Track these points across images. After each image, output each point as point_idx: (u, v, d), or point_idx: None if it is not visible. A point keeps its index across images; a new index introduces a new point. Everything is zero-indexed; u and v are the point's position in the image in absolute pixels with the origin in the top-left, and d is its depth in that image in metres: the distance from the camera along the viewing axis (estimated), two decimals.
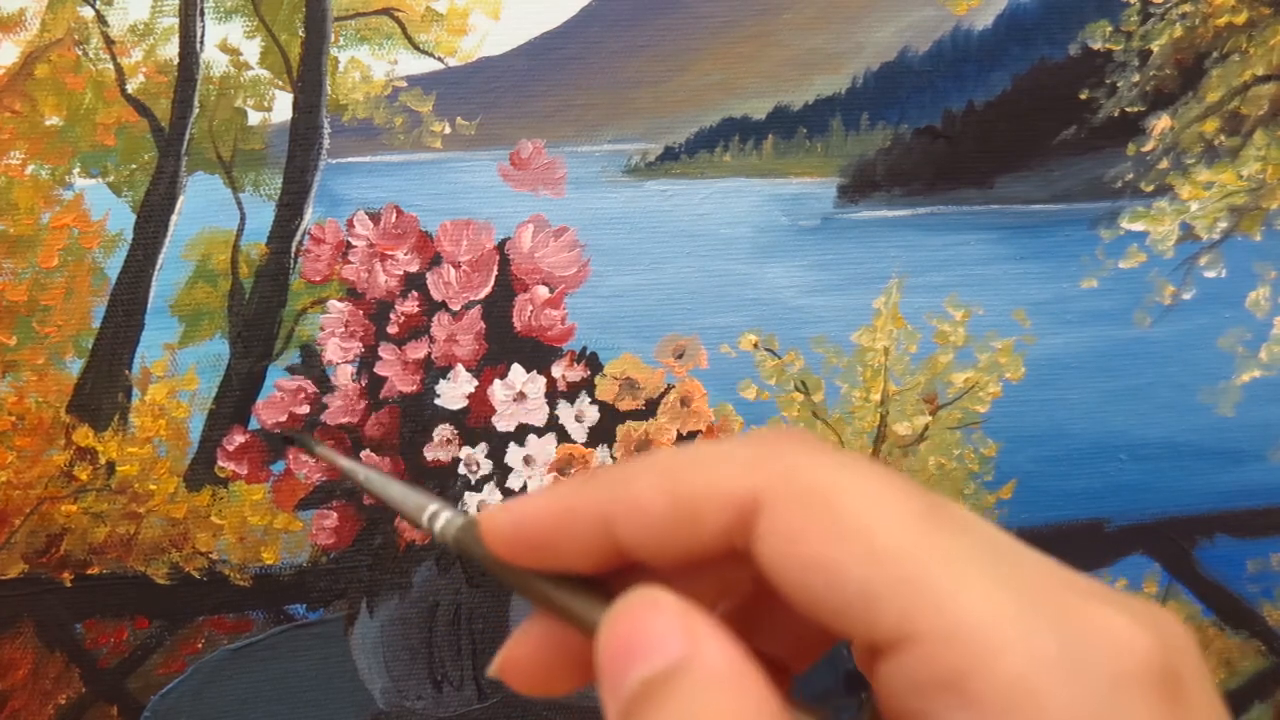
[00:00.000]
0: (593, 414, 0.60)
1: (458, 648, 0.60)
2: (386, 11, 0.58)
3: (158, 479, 0.59)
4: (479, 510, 0.57)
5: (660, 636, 0.22)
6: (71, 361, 0.58)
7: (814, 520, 0.21)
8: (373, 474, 0.28)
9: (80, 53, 0.57)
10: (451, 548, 0.26)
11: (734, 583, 0.25)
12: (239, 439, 0.59)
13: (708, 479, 0.23)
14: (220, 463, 0.59)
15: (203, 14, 0.57)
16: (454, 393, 0.59)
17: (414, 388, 0.59)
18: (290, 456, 0.59)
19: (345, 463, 0.29)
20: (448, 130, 0.60)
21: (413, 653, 0.60)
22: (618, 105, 0.61)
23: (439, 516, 0.26)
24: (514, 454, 0.60)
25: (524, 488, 0.60)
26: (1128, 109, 0.64)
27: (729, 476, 0.22)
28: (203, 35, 0.57)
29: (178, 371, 0.59)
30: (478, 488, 0.59)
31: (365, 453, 0.59)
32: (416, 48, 0.59)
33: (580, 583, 0.24)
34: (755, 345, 0.62)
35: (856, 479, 0.22)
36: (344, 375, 0.59)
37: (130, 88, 0.57)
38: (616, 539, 0.23)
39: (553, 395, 0.60)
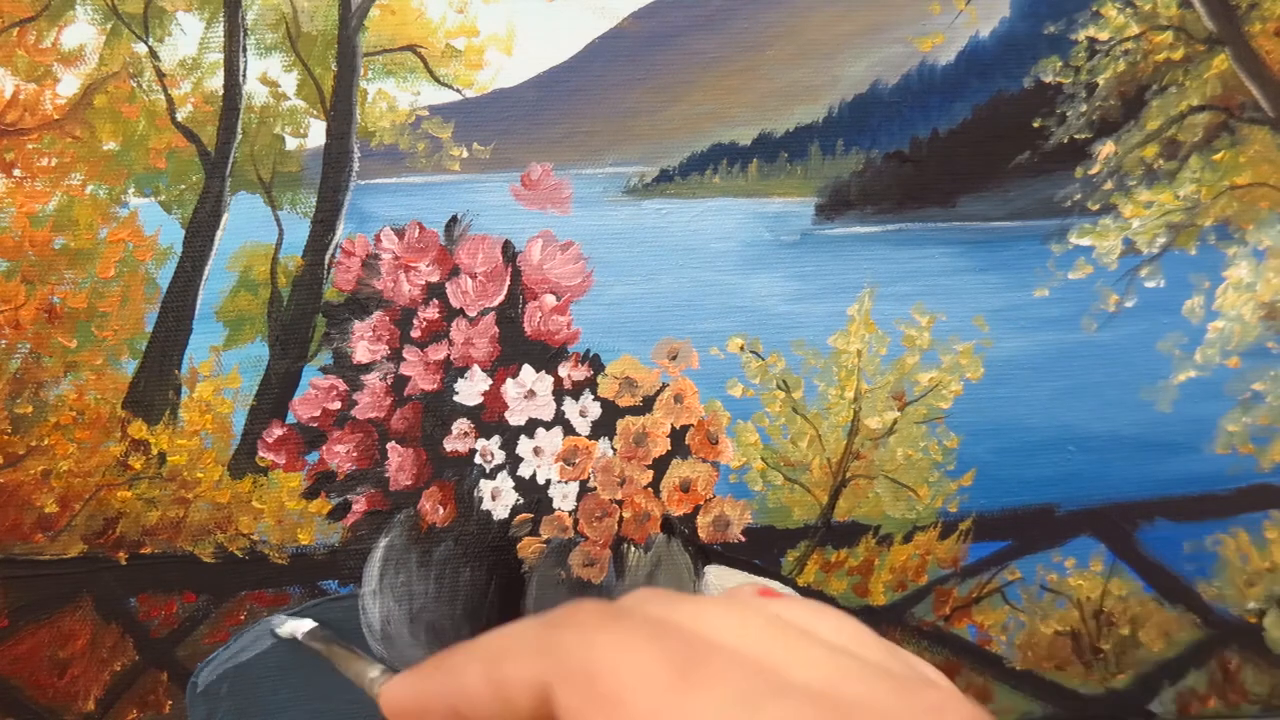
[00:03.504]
0: (595, 410, 0.60)
1: (481, 621, 0.60)
2: (410, 48, 0.58)
3: (204, 468, 0.58)
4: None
5: None
6: (127, 362, 0.58)
7: (584, 700, 0.21)
8: (331, 647, 0.33)
9: (134, 84, 0.56)
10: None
11: None
12: (277, 432, 0.59)
13: (510, 669, 0.23)
14: (260, 453, 0.59)
15: (245, 50, 0.57)
16: (471, 390, 0.59)
17: (435, 386, 0.59)
18: (324, 449, 0.59)
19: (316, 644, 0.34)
20: (465, 154, 0.59)
21: (434, 625, 0.60)
22: (618, 132, 0.61)
23: (375, 682, 0.31)
24: (524, 445, 0.59)
25: (533, 476, 0.59)
26: (1076, 136, 0.63)
27: (525, 665, 0.23)
28: (245, 69, 0.57)
29: (222, 371, 0.58)
30: (492, 476, 0.59)
31: (391, 444, 0.59)
32: (437, 80, 0.59)
33: None
34: (741, 348, 0.62)
35: (618, 654, 0.21)
36: (372, 375, 0.59)
37: (180, 116, 0.57)
38: (464, 718, 0.24)
39: (559, 393, 0.60)
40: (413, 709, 0.25)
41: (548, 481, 0.60)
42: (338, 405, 0.59)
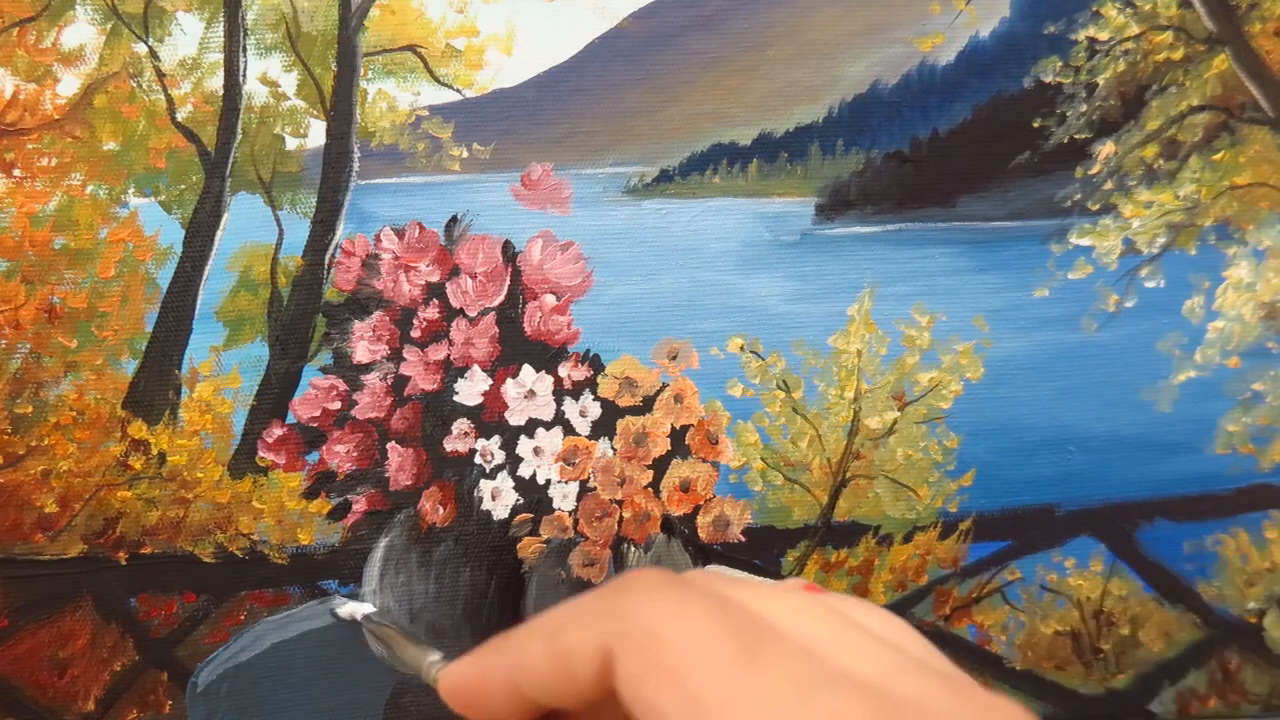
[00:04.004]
0: (595, 410, 0.60)
1: (481, 621, 0.60)
2: (410, 48, 0.58)
3: (204, 468, 0.58)
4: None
5: None
6: (127, 362, 0.57)
7: (646, 666, 0.21)
8: (390, 631, 0.33)
9: (134, 84, 0.56)
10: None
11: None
12: (277, 432, 0.58)
13: (572, 638, 0.22)
14: (260, 453, 0.58)
15: (245, 50, 0.57)
16: (471, 390, 0.59)
17: (435, 386, 0.59)
18: (324, 449, 0.59)
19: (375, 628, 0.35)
20: (465, 154, 0.59)
21: (434, 625, 0.60)
22: (618, 132, 0.60)
23: (434, 666, 0.31)
24: (524, 445, 0.59)
25: (533, 476, 0.59)
26: (1076, 136, 0.63)
27: (587, 632, 0.22)
28: (245, 69, 0.57)
29: (222, 371, 0.58)
30: (492, 476, 0.59)
31: (391, 444, 0.58)
32: (437, 80, 0.59)
33: None
34: (741, 348, 0.62)
35: (681, 622, 0.21)
36: (372, 375, 0.59)
37: (180, 116, 0.57)
38: (524, 695, 0.23)
39: (559, 393, 0.59)
40: (473, 690, 0.24)
41: (548, 481, 0.59)
42: (338, 405, 0.59)
